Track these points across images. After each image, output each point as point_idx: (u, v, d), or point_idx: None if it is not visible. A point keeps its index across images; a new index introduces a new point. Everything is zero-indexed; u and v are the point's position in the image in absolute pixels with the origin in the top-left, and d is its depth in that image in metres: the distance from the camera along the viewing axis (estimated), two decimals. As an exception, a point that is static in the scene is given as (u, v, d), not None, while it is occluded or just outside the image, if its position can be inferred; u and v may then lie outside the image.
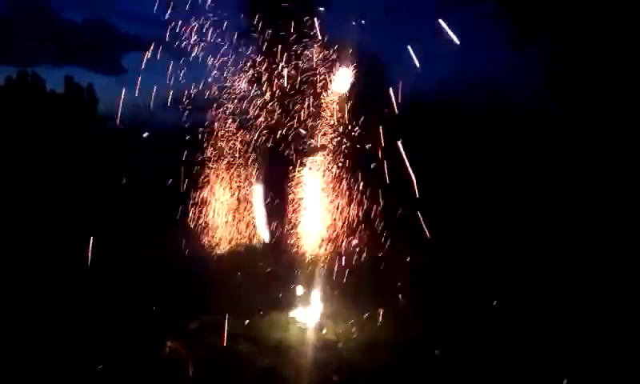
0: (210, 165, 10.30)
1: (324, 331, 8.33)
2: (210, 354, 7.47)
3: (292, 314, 8.70)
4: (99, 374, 6.61)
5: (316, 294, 8.96)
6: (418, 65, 9.17)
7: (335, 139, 10.23)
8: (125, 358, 6.93)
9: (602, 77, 11.23)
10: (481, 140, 12.22)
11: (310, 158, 10.24)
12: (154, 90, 9.73)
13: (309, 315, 8.54)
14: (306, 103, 10.19)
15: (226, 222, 10.30)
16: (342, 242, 9.89)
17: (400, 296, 9.07)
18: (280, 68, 10.05)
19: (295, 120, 10.24)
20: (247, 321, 8.43)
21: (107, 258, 9.33)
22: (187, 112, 9.95)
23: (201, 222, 10.19)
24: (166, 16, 9.44)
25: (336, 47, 10.03)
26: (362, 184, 10.05)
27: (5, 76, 12.70)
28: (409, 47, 9.30)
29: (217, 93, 9.95)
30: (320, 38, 9.99)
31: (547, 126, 11.97)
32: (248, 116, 10.28)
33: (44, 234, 10.49)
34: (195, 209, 10.11)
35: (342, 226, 9.97)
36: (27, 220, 10.96)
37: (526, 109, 12.80)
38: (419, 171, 9.55)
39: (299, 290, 9.31)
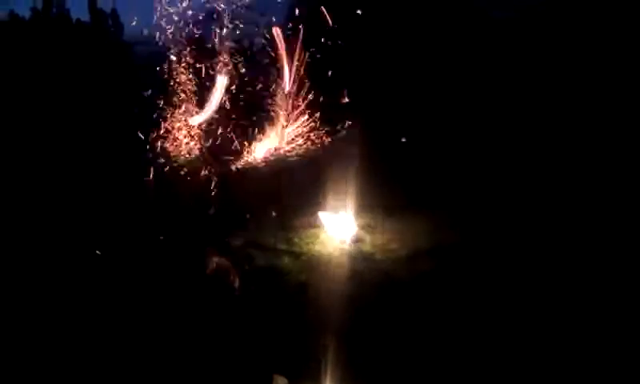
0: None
1: (360, 244, 8.50)
2: (254, 269, 7.90)
3: (329, 228, 8.88)
4: (151, 294, 7.06)
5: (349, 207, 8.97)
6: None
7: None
8: (173, 276, 7.37)
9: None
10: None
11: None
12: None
13: (345, 229, 8.70)
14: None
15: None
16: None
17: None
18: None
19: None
20: (287, 236, 8.83)
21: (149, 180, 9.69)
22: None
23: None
24: None
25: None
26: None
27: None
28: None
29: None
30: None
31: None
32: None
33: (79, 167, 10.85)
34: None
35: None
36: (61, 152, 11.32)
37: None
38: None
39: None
